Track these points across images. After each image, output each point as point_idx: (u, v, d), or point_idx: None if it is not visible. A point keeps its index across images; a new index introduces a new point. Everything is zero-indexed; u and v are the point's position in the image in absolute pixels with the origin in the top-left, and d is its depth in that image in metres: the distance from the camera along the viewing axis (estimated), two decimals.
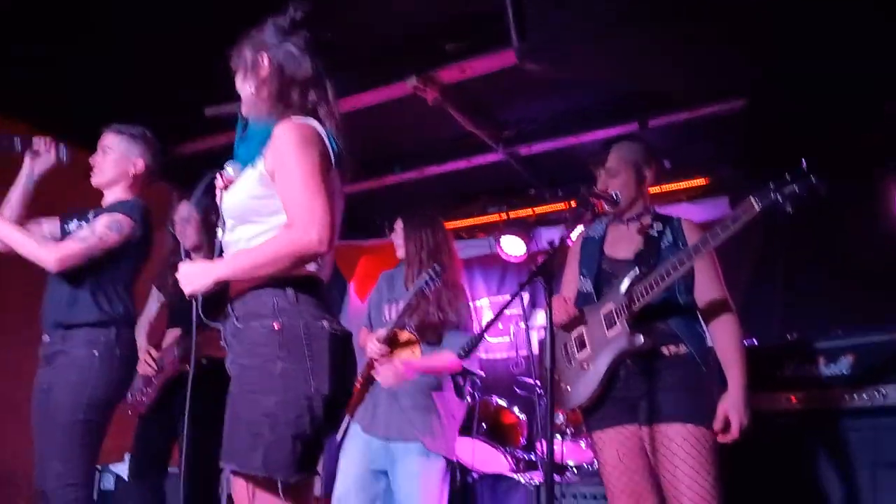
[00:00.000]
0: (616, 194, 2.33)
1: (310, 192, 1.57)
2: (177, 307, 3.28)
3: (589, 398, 2.25)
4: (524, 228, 5.02)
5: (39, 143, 2.71)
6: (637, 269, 2.23)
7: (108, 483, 3.73)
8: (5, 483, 3.71)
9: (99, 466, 3.76)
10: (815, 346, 2.83)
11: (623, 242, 2.39)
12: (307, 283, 1.64)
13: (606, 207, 2.35)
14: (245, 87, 1.74)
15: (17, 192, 2.69)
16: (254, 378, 1.54)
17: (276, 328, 1.56)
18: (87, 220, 2.66)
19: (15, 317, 2.60)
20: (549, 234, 5.07)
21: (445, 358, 2.77)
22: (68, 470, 2.39)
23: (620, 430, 2.25)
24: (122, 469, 3.71)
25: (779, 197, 1.97)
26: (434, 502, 2.74)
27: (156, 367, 3.14)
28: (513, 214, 5.11)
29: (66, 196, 2.92)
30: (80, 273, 2.53)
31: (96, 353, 2.48)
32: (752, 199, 2.01)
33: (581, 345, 2.33)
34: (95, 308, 2.52)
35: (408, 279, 2.91)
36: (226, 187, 1.77)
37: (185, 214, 3.26)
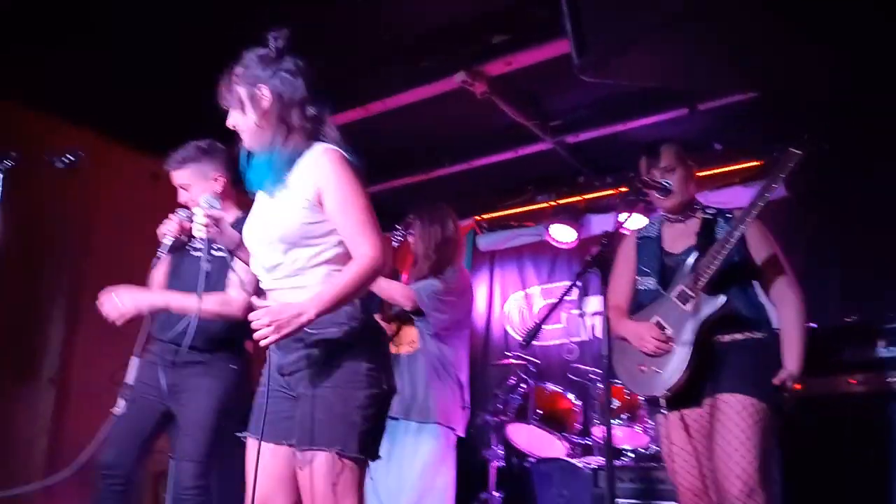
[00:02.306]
0: (668, 183, 2.36)
1: (369, 225, 1.79)
2: None
3: (681, 376, 2.25)
4: (574, 215, 5.04)
5: (174, 231, 2.62)
6: (697, 250, 2.33)
7: None
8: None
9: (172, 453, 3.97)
10: (874, 329, 2.81)
11: (682, 238, 2.45)
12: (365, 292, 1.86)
13: (658, 195, 2.38)
14: (245, 120, 1.85)
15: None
16: (341, 375, 1.75)
17: (353, 327, 1.78)
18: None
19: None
20: (598, 221, 5.07)
21: (401, 289, 3.10)
22: (201, 471, 2.57)
23: (687, 413, 2.30)
24: None
25: (813, 141, 2.13)
26: (431, 468, 2.96)
27: None
28: (562, 202, 5.13)
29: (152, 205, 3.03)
30: None
31: (234, 367, 2.70)
32: (791, 149, 2.16)
33: (660, 329, 2.36)
34: (235, 331, 2.67)
35: (412, 276, 3.17)
36: (215, 222, 1.91)
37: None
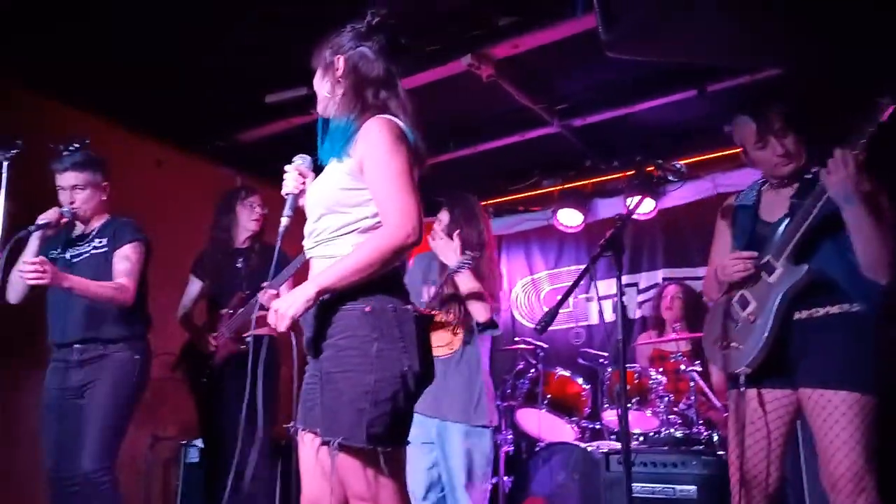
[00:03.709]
0: (682, 166, 2.32)
1: (403, 190, 1.69)
2: (217, 290, 3.45)
3: (760, 351, 2.15)
4: (580, 200, 5.01)
5: (51, 217, 2.85)
6: (790, 216, 2.17)
7: (193, 456, 3.95)
8: None
9: (184, 441, 3.99)
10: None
11: (779, 204, 2.28)
12: (390, 271, 1.73)
13: (671, 178, 2.34)
14: (322, 86, 1.89)
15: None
16: (352, 358, 1.65)
17: (367, 311, 1.67)
18: (91, 241, 2.96)
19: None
20: (605, 205, 5.04)
21: (487, 299, 2.93)
22: (106, 455, 2.76)
23: (767, 393, 2.19)
24: None
25: None
26: (484, 468, 2.94)
27: (215, 348, 3.33)
28: (568, 186, 5.10)
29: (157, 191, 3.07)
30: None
31: (137, 357, 2.90)
32: (880, 100, 2.00)
33: (744, 303, 2.25)
34: (133, 324, 2.92)
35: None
36: (302, 182, 1.93)
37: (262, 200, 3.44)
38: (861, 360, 2.08)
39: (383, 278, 1.71)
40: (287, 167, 1.95)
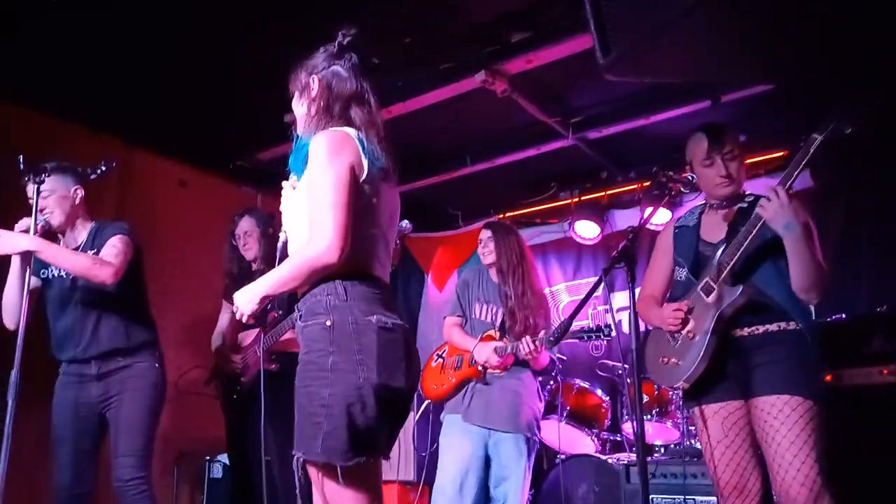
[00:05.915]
0: (692, 177, 2.35)
1: (325, 207, 1.69)
2: None
3: (696, 367, 2.23)
4: (597, 211, 5.03)
5: (24, 226, 2.73)
6: (726, 241, 2.28)
7: (217, 472, 3.99)
8: None
9: (208, 457, 4.04)
10: None
11: (720, 226, 2.38)
12: (360, 280, 1.75)
13: (683, 190, 2.38)
14: (299, 107, 1.94)
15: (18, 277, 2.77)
16: (311, 372, 1.69)
17: (327, 325, 1.69)
18: (84, 251, 2.89)
19: None
20: (622, 216, 5.06)
21: (543, 357, 3.20)
22: (144, 463, 2.78)
23: (726, 406, 2.26)
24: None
25: (838, 122, 2.06)
26: (528, 476, 3.15)
27: (241, 367, 3.37)
28: (585, 198, 5.12)
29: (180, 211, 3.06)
30: (124, 303, 2.89)
31: (157, 365, 2.91)
32: (814, 134, 2.08)
33: (685, 321, 2.32)
34: (146, 330, 2.93)
35: (503, 283, 3.25)
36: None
37: (246, 228, 3.49)
38: (803, 370, 2.16)
39: (350, 288, 1.72)
40: (284, 184, 1.95)
